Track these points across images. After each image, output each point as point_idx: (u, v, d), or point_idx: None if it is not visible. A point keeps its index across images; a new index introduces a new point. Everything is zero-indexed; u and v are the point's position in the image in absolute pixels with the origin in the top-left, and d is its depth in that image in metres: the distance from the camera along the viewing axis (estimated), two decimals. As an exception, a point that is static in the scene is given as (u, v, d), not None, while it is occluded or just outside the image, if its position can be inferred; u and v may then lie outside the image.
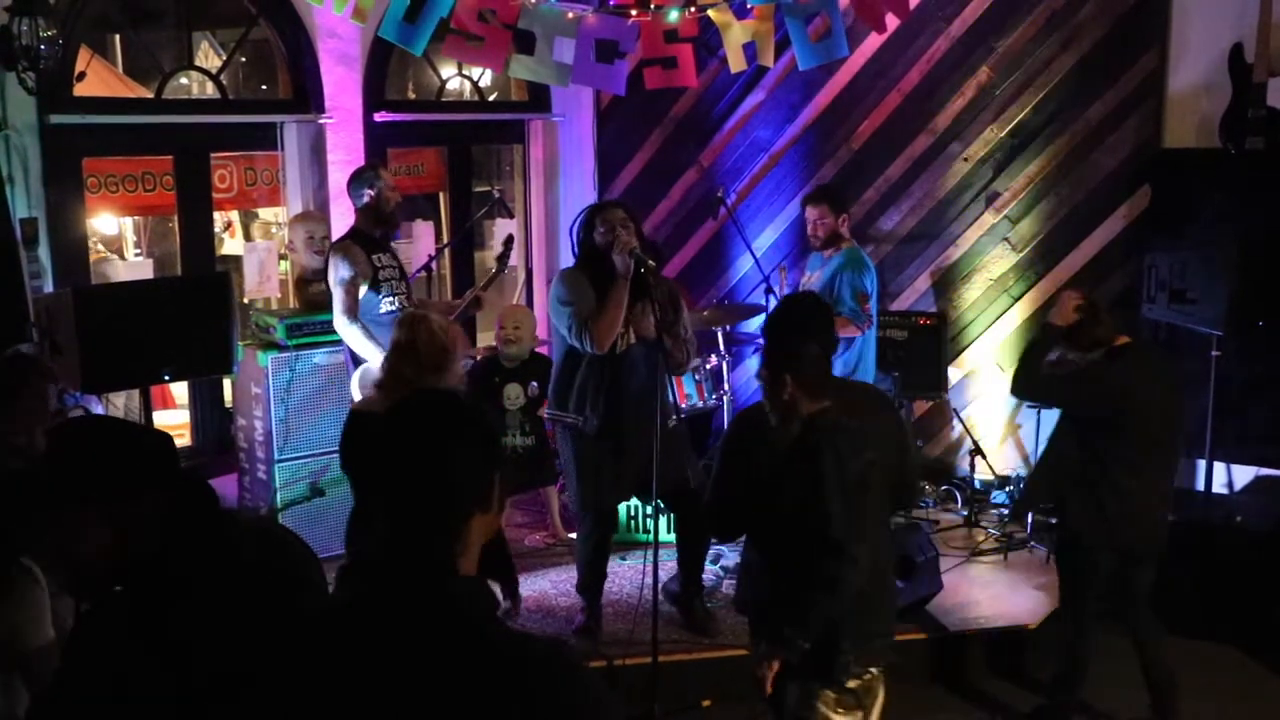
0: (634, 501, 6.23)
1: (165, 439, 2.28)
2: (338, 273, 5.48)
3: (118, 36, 7.92)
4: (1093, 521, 4.65)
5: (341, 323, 5.51)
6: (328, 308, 6.14)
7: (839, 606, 3.36)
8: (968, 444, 7.10)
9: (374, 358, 5.28)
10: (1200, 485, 6.25)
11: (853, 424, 3.37)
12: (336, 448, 4.39)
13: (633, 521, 6.44)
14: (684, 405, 6.20)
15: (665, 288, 5.05)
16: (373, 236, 5.65)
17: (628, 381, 4.99)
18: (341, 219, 6.50)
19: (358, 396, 5.35)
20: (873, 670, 3.50)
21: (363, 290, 5.48)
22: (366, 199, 5.61)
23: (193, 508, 2.15)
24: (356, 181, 5.68)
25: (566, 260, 5.37)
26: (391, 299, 5.58)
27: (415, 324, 4.30)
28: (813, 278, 6.39)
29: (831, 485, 3.25)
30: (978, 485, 7.05)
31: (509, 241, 6.14)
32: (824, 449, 3.29)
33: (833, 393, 3.45)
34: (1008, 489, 7.18)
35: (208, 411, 6.70)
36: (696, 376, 6.60)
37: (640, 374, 4.95)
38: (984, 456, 7.00)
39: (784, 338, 3.47)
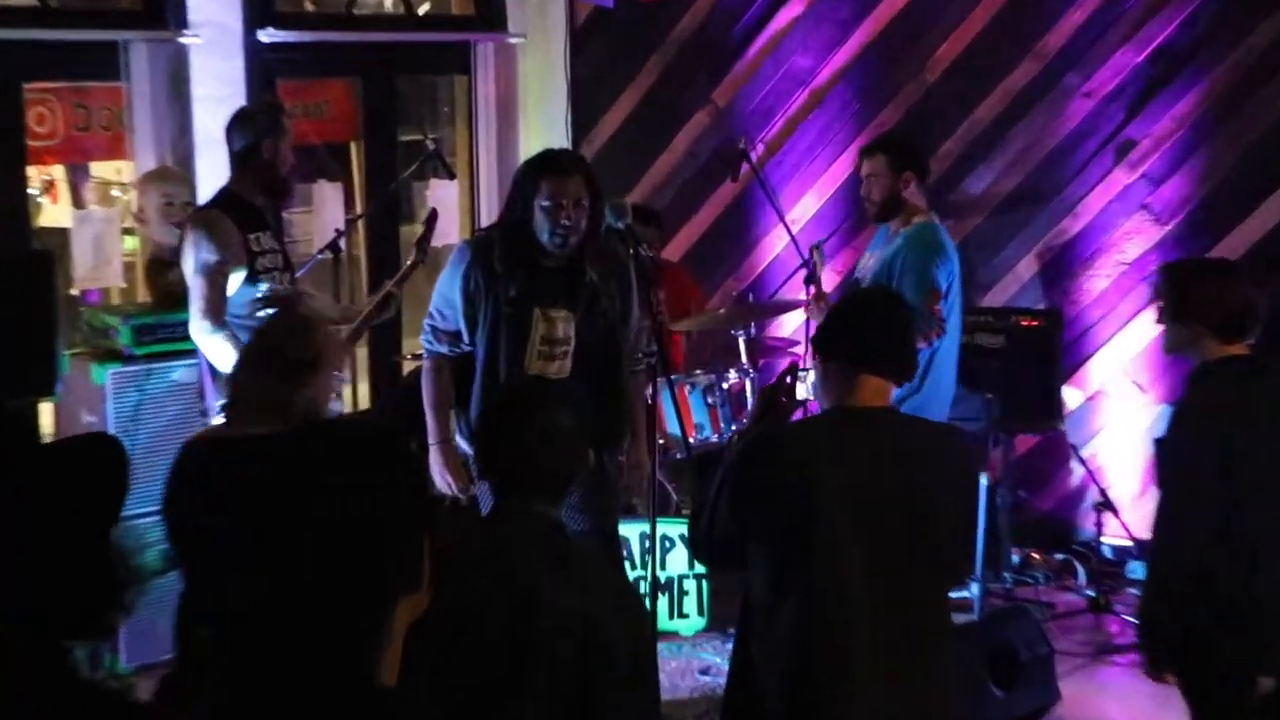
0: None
1: None
2: (198, 256, 4.90)
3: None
4: None
5: (201, 327, 4.88)
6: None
7: None
8: (1093, 495, 6.32)
9: None
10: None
11: None
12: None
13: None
14: (693, 438, 5.90)
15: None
16: (252, 206, 5.08)
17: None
18: (211, 179, 5.81)
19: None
20: None
21: (233, 282, 4.87)
22: (258, 152, 5.04)
23: None
24: (241, 125, 5.06)
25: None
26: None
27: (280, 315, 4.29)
28: (869, 261, 5.72)
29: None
30: (1107, 553, 6.32)
31: (431, 219, 5.61)
32: None
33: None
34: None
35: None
36: (709, 400, 6.05)
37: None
38: (1115, 513, 6.16)
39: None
